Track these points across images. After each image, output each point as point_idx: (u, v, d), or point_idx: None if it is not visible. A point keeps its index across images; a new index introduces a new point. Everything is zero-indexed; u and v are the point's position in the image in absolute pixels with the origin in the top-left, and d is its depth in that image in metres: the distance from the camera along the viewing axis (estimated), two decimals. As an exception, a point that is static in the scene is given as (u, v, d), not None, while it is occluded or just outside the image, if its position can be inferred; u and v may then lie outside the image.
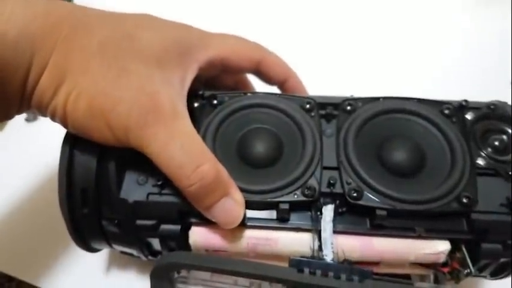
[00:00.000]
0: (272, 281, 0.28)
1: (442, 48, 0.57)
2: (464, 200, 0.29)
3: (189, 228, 0.31)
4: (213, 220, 0.29)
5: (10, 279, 0.40)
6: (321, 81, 0.40)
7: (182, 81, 0.30)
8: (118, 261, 0.40)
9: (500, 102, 0.34)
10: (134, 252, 0.34)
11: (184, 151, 0.27)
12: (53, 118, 0.28)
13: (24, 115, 0.51)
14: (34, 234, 0.42)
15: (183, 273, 0.30)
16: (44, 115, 0.29)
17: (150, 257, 0.34)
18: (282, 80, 0.37)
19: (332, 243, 0.29)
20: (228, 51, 0.33)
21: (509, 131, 0.32)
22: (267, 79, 0.37)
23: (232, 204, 0.28)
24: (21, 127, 0.51)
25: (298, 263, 0.27)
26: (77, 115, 0.27)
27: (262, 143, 0.33)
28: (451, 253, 0.31)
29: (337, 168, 0.31)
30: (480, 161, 0.31)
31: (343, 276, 0.26)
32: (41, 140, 0.48)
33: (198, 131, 0.31)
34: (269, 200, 0.29)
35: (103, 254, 0.40)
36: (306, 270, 0.26)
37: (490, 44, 0.56)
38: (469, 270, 0.30)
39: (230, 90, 0.37)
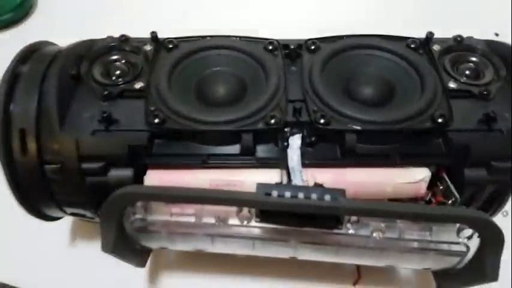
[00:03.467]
0: (238, 205, 0.25)
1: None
2: (439, 120, 0.27)
3: (143, 173, 0.28)
4: None
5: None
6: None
7: None
8: (81, 234, 0.37)
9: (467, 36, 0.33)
10: (85, 212, 0.30)
11: None
12: None
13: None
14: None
15: (139, 214, 0.26)
16: None
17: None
18: None
19: (301, 172, 0.26)
20: None
21: (476, 59, 0.31)
22: None
23: None
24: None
25: (265, 187, 0.24)
26: None
27: (223, 84, 0.31)
28: (433, 186, 0.28)
29: (303, 101, 0.29)
30: (452, 84, 0.29)
31: (314, 196, 0.23)
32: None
33: (151, 73, 0.29)
34: (231, 129, 0.27)
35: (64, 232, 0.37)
36: (274, 193, 0.24)
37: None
38: (454, 199, 0.27)
39: None
